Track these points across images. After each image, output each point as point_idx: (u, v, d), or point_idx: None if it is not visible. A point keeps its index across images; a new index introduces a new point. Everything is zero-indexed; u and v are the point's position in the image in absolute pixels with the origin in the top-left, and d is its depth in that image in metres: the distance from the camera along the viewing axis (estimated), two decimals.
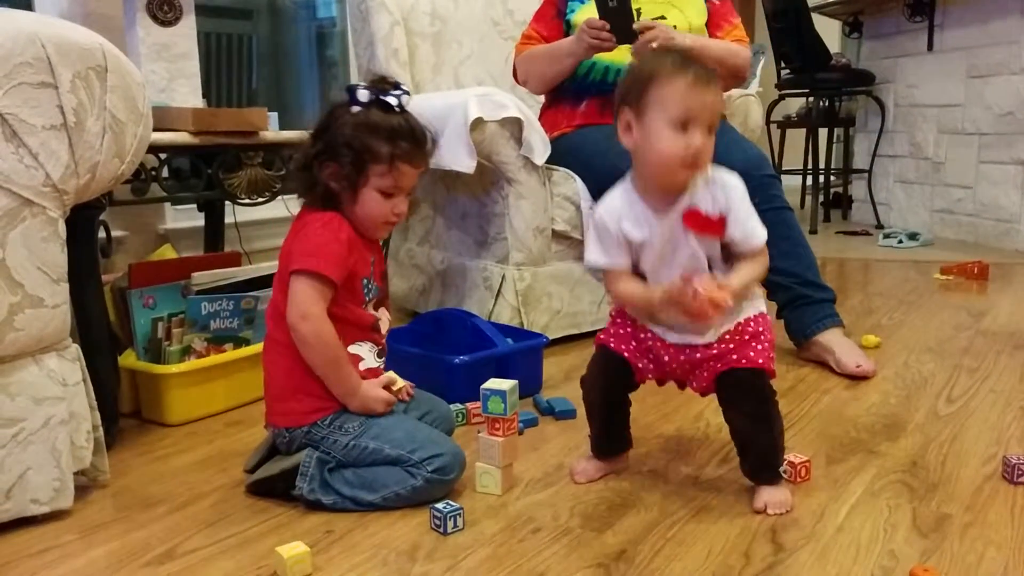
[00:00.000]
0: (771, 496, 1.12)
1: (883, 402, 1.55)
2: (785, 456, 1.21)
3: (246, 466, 1.22)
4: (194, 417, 1.48)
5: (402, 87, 1.15)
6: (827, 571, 0.96)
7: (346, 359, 1.14)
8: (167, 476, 1.27)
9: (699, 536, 1.05)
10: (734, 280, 1.09)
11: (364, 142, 1.11)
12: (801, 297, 1.80)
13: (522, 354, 1.59)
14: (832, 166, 4.47)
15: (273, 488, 1.16)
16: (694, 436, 1.39)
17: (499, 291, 1.89)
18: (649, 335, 1.17)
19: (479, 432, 1.19)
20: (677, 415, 1.48)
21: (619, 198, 1.13)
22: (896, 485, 1.19)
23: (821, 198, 4.21)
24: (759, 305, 1.16)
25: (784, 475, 1.18)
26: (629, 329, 1.19)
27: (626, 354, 1.17)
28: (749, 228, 1.10)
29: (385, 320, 1.23)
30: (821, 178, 4.13)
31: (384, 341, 1.23)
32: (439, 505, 1.07)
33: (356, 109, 1.13)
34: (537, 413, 1.50)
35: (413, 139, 1.14)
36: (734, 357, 1.11)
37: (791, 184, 4.23)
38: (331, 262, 1.11)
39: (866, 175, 4.18)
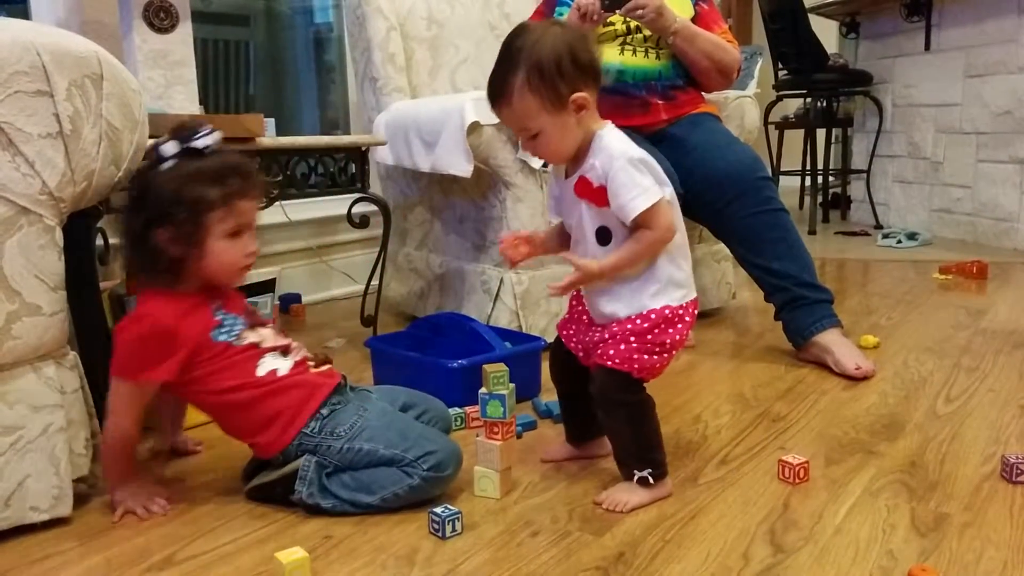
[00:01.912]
0: (613, 492, 1.15)
1: (882, 402, 1.55)
2: (784, 457, 1.21)
3: (243, 475, 1.22)
4: (193, 423, 1.48)
5: (205, 127, 1.12)
6: (826, 572, 0.96)
7: (123, 457, 1.15)
8: (166, 482, 1.26)
9: (698, 538, 1.05)
10: (596, 260, 1.12)
11: (194, 193, 1.08)
12: (799, 298, 1.80)
13: (520, 358, 1.59)
14: (830, 167, 4.47)
15: (272, 493, 1.16)
16: (692, 438, 1.39)
17: (497, 295, 1.89)
18: (585, 315, 1.23)
19: (477, 436, 1.19)
20: (675, 417, 1.48)
21: None
22: (895, 485, 1.19)
23: (820, 199, 4.21)
24: (663, 298, 1.13)
25: (650, 480, 1.15)
26: (576, 313, 1.25)
27: (563, 335, 1.25)
28: (621, 201, 1.09)
29: (269, 338, 1.19)
30: (820, 179, 4.14)
31: (286, 342, 1.21)
32: (437, 509, 1.07)
33: (167, 165, 1.09)
34: (535, 416, 1.50)
35: (240, 174, 1.12)
36: (599, 352, 1.15)
37: (790, 185, 4.24)
38: (141, 369, 1.10)
39: (864, 175, 4.18)
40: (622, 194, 1.09)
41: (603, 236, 1.14)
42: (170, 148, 1.10)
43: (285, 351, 1.20)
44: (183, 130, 1.11)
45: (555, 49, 1.07)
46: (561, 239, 1.24)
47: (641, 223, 1.09)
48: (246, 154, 1.66)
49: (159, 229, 1.10)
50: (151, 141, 1.11)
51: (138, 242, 1.11)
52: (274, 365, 1.17)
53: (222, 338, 1.14)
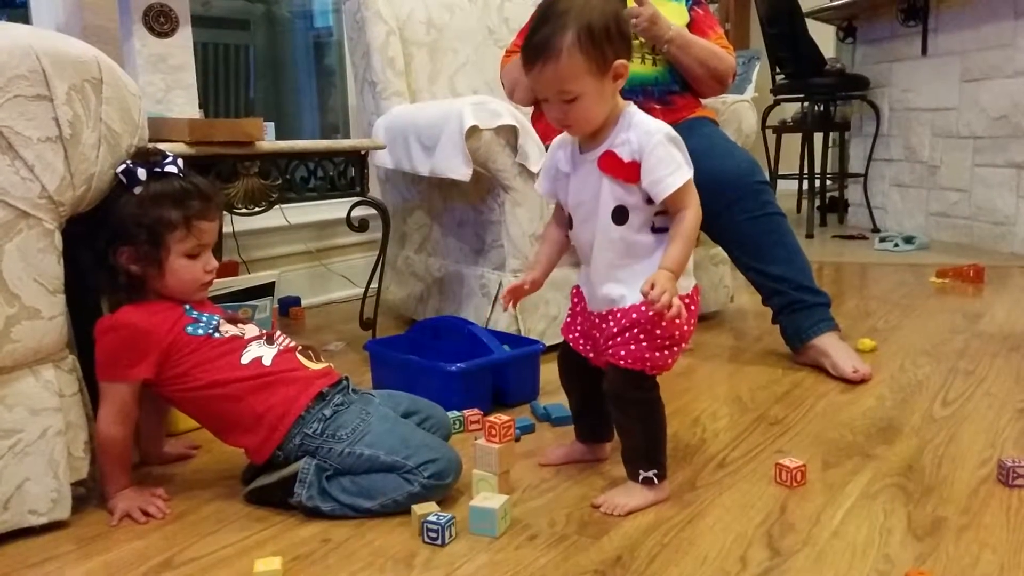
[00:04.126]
0: (611, 495, 1.16)
1: (879, 406, 1.55)
2: (781, 460, 1.22)
3: (242, 478, 1.22)
4: (192, 427, 1.48)
5: (168, 154, 1.17)
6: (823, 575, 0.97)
7: (118, 463, 1.17)
8: (165, 485, 1.26)
9: (695, 541, 1.05)
10: (665, 263, 1.08)
11: (154, 215, 1.13)
12: (796, 302, 1.80)
13: (519, 361, 1.60)
14: (828, 170, 4.49)
15: (271, 496, 1.16)
16: (690, 441, 1.40)
17: (496, 298, 1.90)
18: (582, 307, 1.23)
19: (476, 439, 1.19)
20: (674, 419, 1.49)
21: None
22: (892, 489, 1.19)
23: (817, 202, 4.22)
24: (679, 284, 1.11)
25: (655, 481, 1.15)
26: (576, 310, 1.25)
27: (569, 339, 1.25)
28: (657, 176, 1.08)
29: (252, 330, 1.23)
30: (817, 182, 4.15)
31: (268, 330, 1.24)
32: (431, 517, 1.06)
33: (138, 190, 1.13)
34: (534, 420, 1.50)
35: (201, 196, 1.17)
36: (609, 351, 1.14)
37: (787, 189, 4.25)
38: (120, 370, 1.14)
39: (862, 179, 4.19)
40: (659, 169, 1.07)
41: (620, 216, 1.12)
42: (143, 174, 1.14)
43: (269, 339, 1.22)
44: (151, 155, 1.16)
45: (604, 14, 1.06)
46: (553, 253, 1.23)
47: (672, 201, 1.09)
48: (245, 158, 1.67)
49: (121, 248, 1.14)
50: (120, 167, 1.14)
51: (100, 261, 1.15)
52: (259, 353, 1.18)
53: (200, 332, 1.17)
